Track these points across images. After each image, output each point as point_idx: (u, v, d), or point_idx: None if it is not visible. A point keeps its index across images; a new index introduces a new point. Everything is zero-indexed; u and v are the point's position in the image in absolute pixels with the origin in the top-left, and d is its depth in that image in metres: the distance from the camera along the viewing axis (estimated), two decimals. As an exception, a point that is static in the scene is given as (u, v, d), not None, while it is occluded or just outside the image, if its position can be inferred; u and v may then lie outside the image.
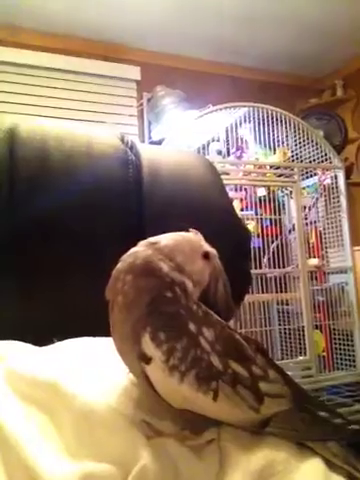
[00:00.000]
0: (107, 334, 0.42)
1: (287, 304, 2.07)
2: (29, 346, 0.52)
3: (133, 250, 0.42)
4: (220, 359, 0.39)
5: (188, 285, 0.42)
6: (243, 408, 0.39)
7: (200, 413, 0.39)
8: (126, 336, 0.39)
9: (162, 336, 0.38)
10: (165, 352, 0.38)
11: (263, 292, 1.88)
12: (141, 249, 0.42)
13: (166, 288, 0.40)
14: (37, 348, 0.52)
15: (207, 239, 0.70)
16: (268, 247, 1.96)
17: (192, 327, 0.39)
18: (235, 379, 0.39)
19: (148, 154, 0.73)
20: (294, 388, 0.43)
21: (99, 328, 0.45)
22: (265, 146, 2.07)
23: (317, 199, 2.11)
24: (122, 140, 0.72)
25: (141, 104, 2.75)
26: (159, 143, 2.29)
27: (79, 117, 2.56)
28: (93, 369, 0.46)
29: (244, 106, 1.94)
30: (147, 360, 0.38)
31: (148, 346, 0.38)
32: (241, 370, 0.40)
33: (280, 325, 2.10)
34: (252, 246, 1.73)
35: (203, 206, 0.71)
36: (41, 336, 0.53)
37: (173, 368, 0.37)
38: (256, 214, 2.01)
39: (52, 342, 0.53)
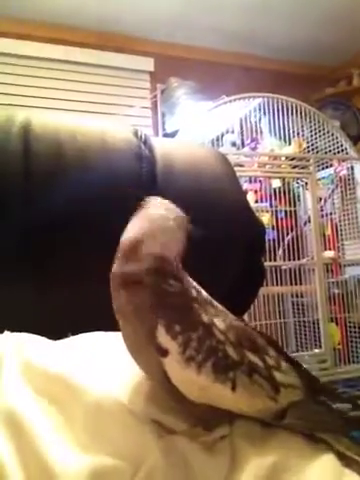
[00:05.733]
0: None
1: (302, 296, 2.05)
2: (44, 340, 0.52)
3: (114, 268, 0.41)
4: (235, 349, 0.39)
5: (176, 268, 0.41)
6: (261, 397, 0.39)
7: (218, 406, 0.39)
8: (138, 333, 0.39)
9: (177, 328, 0.38)
10: (181, 343, 0.38)
11: (277, 284, 1.87)
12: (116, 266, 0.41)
13: (162, 282, 0.40)
14: (52, 342, 0.52)
15: (222, 233, 0.70)
16: (283, 239, 1.95)
17: (204, 317, 0.40)
18: (251, 368, 0.39)
19: (162, 148, 0.73)
20: (307, 379, 0.43)
21: (114, 322, 0.45)
22: (280, 137, 2.05)
23: (333, 190, 2.09)
24: (136, 134, 0.72)
25: (155, 96, 2.74)
26: (173, 135, 2.28)
27: (92, 109, 2.56)
28: (105, 364, 0.46)
29: (259, 96, 1.92)
30: (164, 353, 0.38)
31: (164, 338, 0.38)
32: (256, 360, 0.40)
33: (295, 318, 2.09)
34: (267, 238, 1.72)
35: (217, 201, 0.71)
36: (56, 329, 0.53)
37: (190, 359, 0.38)
38: (271, 206, 1.99)
39: (66, 336, 0.53)
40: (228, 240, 0.71)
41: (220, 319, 0.40)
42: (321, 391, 0.44)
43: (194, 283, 0.43)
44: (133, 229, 0.41)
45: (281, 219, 2.02)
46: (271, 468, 0.37)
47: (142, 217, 0.41)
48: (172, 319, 0.39)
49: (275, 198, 2.01)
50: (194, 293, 0.41)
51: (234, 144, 2.15)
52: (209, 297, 0.43)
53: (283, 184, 2.01)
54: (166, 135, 2.58)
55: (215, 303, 0.43)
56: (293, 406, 0.40)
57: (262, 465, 0.37)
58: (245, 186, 1.93)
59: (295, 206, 2.06)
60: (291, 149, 2.09)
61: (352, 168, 2.01)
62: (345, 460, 0.40)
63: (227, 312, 0.43)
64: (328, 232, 2.04)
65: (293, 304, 2.11)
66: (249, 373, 0.39)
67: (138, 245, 0.40)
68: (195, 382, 0.38)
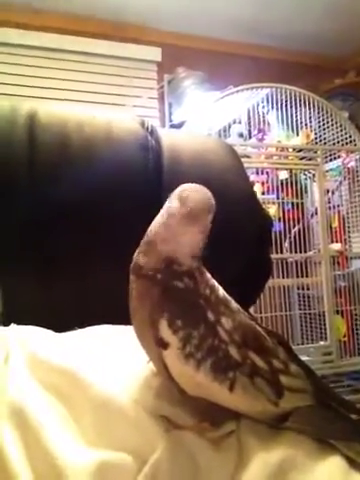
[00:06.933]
0: (128, 320, 0.42)
1: (308, 289, 2.05)
2: (50, 332, 0.52)
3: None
4: (238, 350, 0.39)
5: (192, 265, 0.40)
6: (261, 400, 0.39)
7: (216, 403, 0.39)
8: (144, 321, 0.39)
9: (179, 323, 0.38)
10: (181, 339, 0.38)
11: (284, 277, 1.87)
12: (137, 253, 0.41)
13: (174, 279, 0.40)
14: (58, 334, 0.52)
15: (228, 226, 0.69)
16: (289, 231, 1.93)
17: (210, 316, 0.39)
18: (253, 371, 0.39)
19: (168, 139, 0.72)
20: (317, 384, 0.42)
21: (120, 313, 0.45)
22: (288, 128, 2.03)
23: (341, 182, 2.07)
24: (142, 125, 0.71)
25: (162, 86, 2.71)
26: (180, 126, 2.26)
27: (99, 100, 2.54)
28: (112, 358, 0.46)
29: (266, 87, 1.90)
30: (164, 345, 0.38)
31: (165, 332, 0.38)
32: (260, 362, 0.39)
33: (300, 310, 2.08)
34: (273, 230, 1.71)
35: (224, 193, 0.70)
36: (62, 321, 0.53)
37: (189, 355, 0.38)
38: (278, 198, 1.98)
39: (73, 330, 0.53)
40: (235, 232, 0.71)
41: (228, 318, 0.40)
42: (332, 398, 0.43)
43: (211, 281, 0.42)
44: (153, 223, 0.41)
45: (288, 211, 2.00)
46: (278, 465, 0.37)
47: (162, 210, 0.40)
48: (175, 314, 0.38)
49: (282, 190, 1.99)
50: (207, 291, 0.40)
51: (241, 135, 2.13)
52: (226, 296, 0.42)
53: (290, 176, 1.99)
54: (173, 126, 2.56)
55: (231, 303, 0.42)
56: (298, 411, 0.40)
57: (269, 462, 0.37)
58: (252, 177, 1.91)
59: (302, 198, 2.05)
60: (299, 140, 2.07)
61: (360, 160, 1.99)
62: (353, 465, 0.39)
63: (242, 312, 0.42)
64: (335, 224, 2.02)
65: (299, 296, 2.11)
66: (250, 375, 0.39)
67: (150, 241, 0.40)
68: (193, 378, 0.38)
